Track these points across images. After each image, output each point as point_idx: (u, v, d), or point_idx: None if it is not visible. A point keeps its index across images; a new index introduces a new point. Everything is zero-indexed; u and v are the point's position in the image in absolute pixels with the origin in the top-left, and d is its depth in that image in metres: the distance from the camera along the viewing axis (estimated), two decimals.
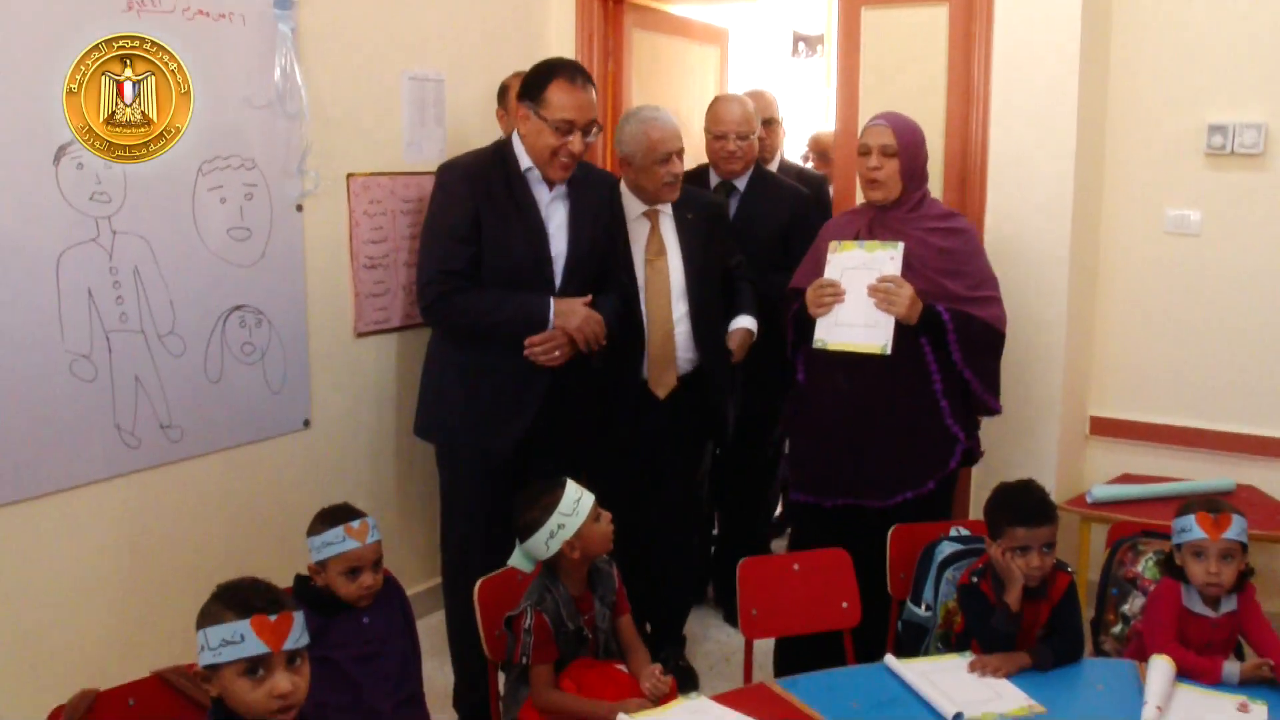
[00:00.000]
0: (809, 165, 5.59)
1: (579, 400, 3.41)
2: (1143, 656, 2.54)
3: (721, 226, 3.78)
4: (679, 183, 3.57)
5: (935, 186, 3.97)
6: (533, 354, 3.21)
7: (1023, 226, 3.44)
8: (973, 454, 3.34)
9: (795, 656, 3.29)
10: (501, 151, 3.28)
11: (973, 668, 2.53)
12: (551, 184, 3.25)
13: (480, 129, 4.18)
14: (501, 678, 2.84)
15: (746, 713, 2.34)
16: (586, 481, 2.78)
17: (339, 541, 2.56)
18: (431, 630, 3.77)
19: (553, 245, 3.25)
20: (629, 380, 3.54)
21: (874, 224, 3.31)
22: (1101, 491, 3.86)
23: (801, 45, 8.40)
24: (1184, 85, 4.01)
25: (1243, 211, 3.98)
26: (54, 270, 2.98)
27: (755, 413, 3.96)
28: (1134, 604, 3.06)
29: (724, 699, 2.43)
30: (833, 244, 3.31)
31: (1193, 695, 2.42)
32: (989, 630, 2.61)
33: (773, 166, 4.54)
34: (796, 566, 3.06)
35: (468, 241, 3.19)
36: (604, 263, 3.40)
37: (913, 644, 3.01)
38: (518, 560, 2.73)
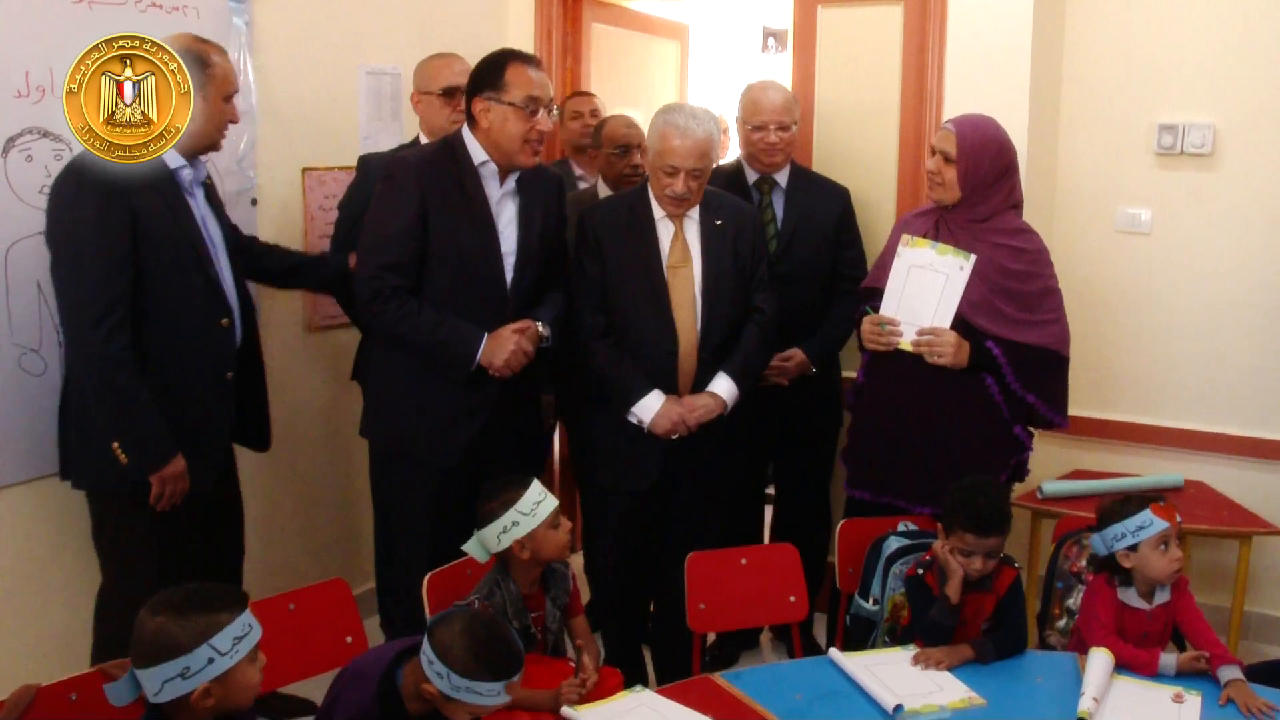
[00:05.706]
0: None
1: (531, 407, 3.35)
2: (1084, 650, 2.58)
3: (755, 237, 3.42)
4: (678, 203, 3.25)
5: (887, 186, 4.02)
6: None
7: None
8: (1022, 469, 3.36)
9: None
10: (450, 146, 3.18)
11: (916, 660, 2.57)
12: (503, 179, 3.18)
13: None
14: None
15: (690, 706, 2.37)
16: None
17: (495, 695, 2.24)
18: (373, 632, 3.72)
19: (503, 242, 3.16)
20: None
21: (940, 224, 3.29)
22: (1051, 487, 3.90)
23: (771, 40, 8.40)
24: (1134, 86, 4.05)
25: (1192, 210, 4.03)
26: (2, 263, 2.97)
27: (810, 428, 3.85)
28: (1078, 598, 3.08)
29: (668, 691, 2.46)
30: (905, 237, 3.30)
31: (1130, 686, 2.47)
32: (928, 621, 2.64)
33: None
34: (744, 561, 3.08)
35: (411, 237, 3.07)
36: (553, 259, 3.31)
37: (861, 638, 3.04)
38: (472, 547, 2.73)
